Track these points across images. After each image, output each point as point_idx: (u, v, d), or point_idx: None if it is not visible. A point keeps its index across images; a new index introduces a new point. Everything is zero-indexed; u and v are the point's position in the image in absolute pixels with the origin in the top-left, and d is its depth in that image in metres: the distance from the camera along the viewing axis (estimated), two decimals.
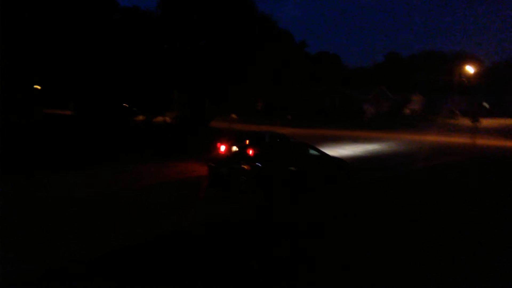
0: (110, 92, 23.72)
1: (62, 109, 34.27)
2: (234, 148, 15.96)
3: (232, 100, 32.35)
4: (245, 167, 10.54)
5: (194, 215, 8.84)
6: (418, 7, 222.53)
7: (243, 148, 12.94)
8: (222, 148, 16.08)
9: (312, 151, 12.45)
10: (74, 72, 22.97)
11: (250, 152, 11.97)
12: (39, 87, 26.60)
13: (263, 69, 28.84)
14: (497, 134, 34.19)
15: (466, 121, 23.16)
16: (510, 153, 21.16)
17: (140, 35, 24.21)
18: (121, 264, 5.95)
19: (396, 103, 57.48)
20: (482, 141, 24.53)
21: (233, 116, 32.66)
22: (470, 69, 66.95)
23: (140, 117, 28.69)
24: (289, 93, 52.25)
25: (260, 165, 10.66)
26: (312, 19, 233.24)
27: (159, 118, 31.32)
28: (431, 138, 30.29)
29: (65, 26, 22.23)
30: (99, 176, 13.04)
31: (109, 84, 23.32)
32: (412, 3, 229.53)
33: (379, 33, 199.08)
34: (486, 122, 49.41)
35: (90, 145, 17.01)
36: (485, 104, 78.47)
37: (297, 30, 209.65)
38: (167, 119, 30.62)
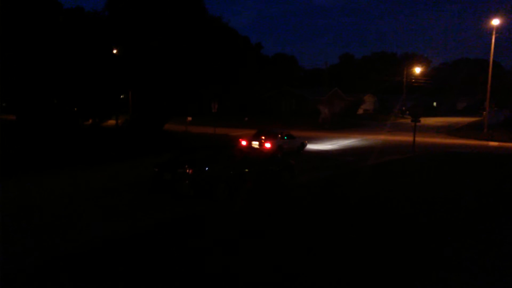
0: (56, 96, 22.82)
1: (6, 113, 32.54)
2: (254, 143, 18.01)
3: (187, 102, 32.08)
4: (189, 171, 10.55)
5: (130, 224, 8.73)
6: (370, 11, 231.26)
7: (188, 153, 12.90)
8: (243, 143, 18.81)
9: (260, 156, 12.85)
10: (16, 77, 21.88)
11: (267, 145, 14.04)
12: None
13: (217, 70, 28.81)
14: (435, 132, 38.03)
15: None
16: (443, 150, 23.81)
17: (87, 37, 23.45)
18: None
19: (350, 103, 59.32)
20: (421, 139, 26.96)
21: (189, 118, 32.38)
22: (417, 70, 70.57)
23: (90, 121, 27.79)
24: (245, 95, 52.57)
25: (206, 168, 10.73)
26: (270, 21, 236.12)
27: (111, 122, 30.46)
28: (381, 137, 31.84)
29: (5, 28, 21.13)
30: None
31: (55, 88, 22.41)
32: (363, 7, 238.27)
33: (333, 35, 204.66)
34: (431, 120, 52.21)
35: (28, 151, 16.31)
36: (434, 103, 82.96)
37: (256, 32, 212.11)
38: (119, 122, 29.89)
